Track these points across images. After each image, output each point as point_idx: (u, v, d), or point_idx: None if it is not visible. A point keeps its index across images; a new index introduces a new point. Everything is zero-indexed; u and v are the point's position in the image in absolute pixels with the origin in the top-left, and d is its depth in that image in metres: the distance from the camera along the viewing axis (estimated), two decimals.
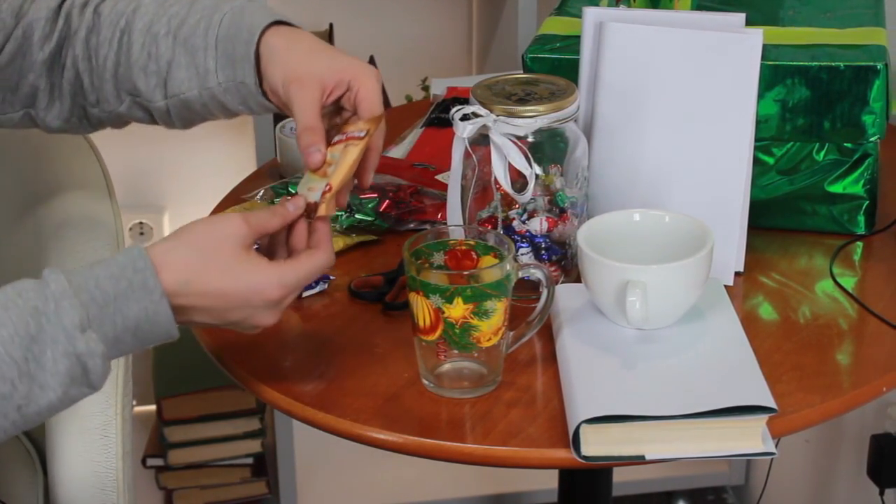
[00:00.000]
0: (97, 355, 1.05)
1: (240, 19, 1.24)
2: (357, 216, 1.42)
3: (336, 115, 1.23)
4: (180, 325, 1.10)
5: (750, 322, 1.26)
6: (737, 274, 1.34)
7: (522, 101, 1.26)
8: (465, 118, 1.26)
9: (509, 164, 1.25)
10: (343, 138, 1.18)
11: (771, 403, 1.09)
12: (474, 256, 1.18)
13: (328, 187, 1.14)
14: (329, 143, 1.18)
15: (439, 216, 1.44)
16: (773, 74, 1.39)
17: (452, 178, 1.32)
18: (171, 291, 1.08)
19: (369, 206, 1.43)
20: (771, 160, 1.42)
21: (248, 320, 1.12)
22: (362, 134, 1.17)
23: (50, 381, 1.04)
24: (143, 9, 1.28)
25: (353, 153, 1.16)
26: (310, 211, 1.15)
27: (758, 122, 1.36)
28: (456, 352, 1.16)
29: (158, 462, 2.44)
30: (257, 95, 1.24)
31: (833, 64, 1.38)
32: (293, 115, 1.19)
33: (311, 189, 1.16)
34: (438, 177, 1.51)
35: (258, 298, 1.11)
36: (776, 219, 1.43)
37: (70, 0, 1.32)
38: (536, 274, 1.18)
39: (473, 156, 1.28)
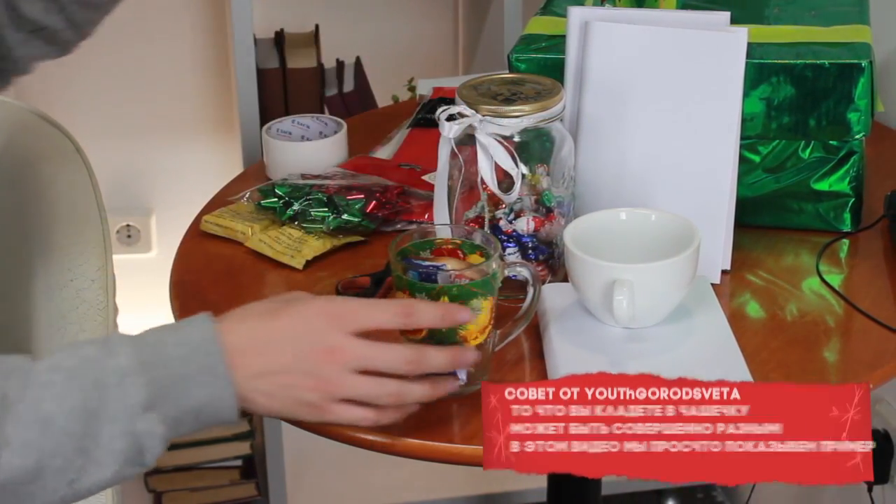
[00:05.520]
0: (156, 437, 1.03)
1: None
2: (344, 217, 1.42)
3: None
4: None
5: (737, 320, 1.26)
6: (723, 272, 1.34)
7: (508, 100, 1.26)
8: (451, 118, 1.26)
9: (496, 163, 1.25)
10: None
11: None
12: (460, 255, 1.18)
13: None
14: None
15: (426, 217, 1.44)
16: (759, 73, 1.39)
17: (439, 179, 1.32)
18: (238, 382, 1.05)
19: (356, 206, 1.42)
20: (757, 158, 1.42)
21: (312, 380, 1.06)
22: None
23: (105, 459, 1.02)
24: None
25: None
26: None
27: (743, 121, 1.36)
28: None
29: None
30: None
31: (818, 62, 1.38)
32: None
33: None
34: (425, 177, 1.51)
35: (306, 326, 1.06)
36: (763, 217, 1.43)
37: None
38: (523, 272, 1.18)
39: (460, 156, 1.28)
